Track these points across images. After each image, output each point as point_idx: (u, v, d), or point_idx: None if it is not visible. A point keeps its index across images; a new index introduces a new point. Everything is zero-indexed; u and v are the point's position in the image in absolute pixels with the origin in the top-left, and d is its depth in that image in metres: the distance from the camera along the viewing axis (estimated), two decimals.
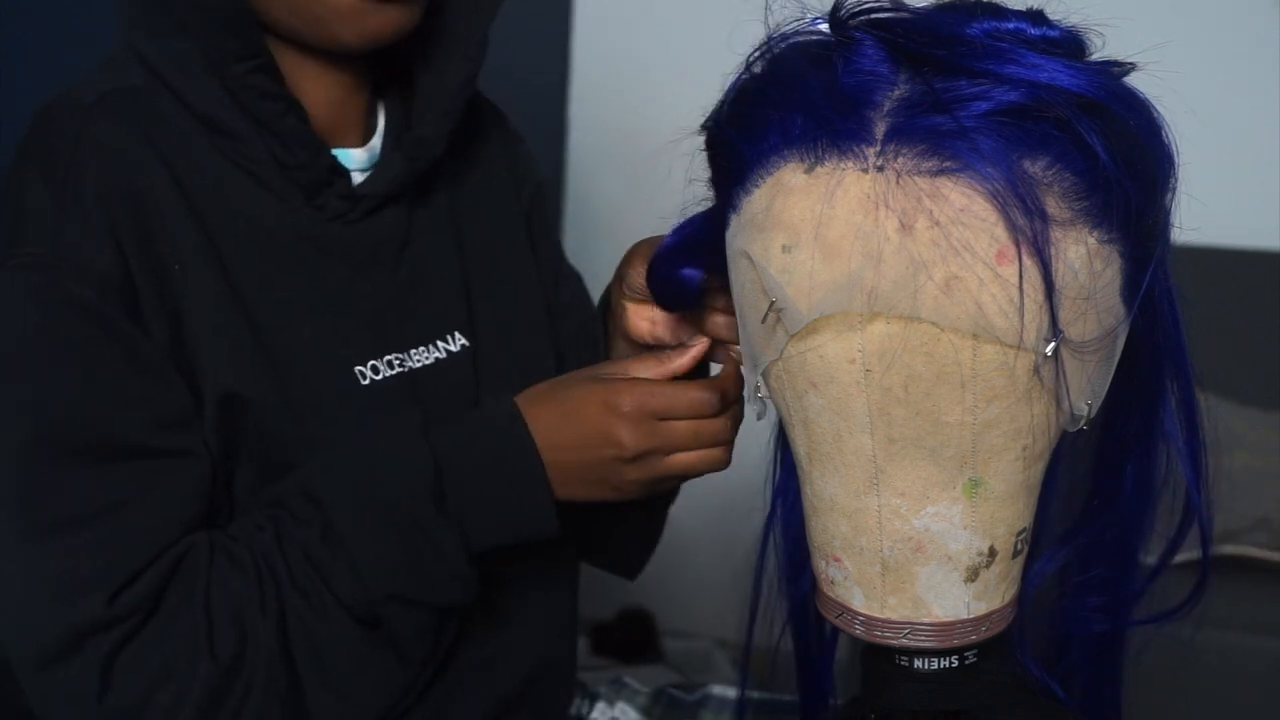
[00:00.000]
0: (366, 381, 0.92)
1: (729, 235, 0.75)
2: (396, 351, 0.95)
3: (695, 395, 0.86)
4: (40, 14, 1.99)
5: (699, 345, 0.90)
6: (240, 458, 0.89)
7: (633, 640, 2.25)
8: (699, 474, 0.88)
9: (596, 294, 1.12)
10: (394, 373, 0.94)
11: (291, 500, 0.87)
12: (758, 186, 0.72)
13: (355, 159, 0.96)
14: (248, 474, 0.89)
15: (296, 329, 0.90)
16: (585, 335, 1.07)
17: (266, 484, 0.89)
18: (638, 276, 0.92)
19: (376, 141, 0.98)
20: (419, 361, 0.97)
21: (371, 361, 0.93)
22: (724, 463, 0.88)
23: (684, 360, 0.89)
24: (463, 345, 1.00)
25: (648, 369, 0.88)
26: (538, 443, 0.86)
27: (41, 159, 0.87)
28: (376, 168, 0.96)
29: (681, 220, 0.85)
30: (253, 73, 0.87)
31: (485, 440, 0.87)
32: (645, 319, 0.95)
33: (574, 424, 0.86)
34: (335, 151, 0.93)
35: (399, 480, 0.85)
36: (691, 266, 0.84)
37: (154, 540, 0.83)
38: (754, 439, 0.88)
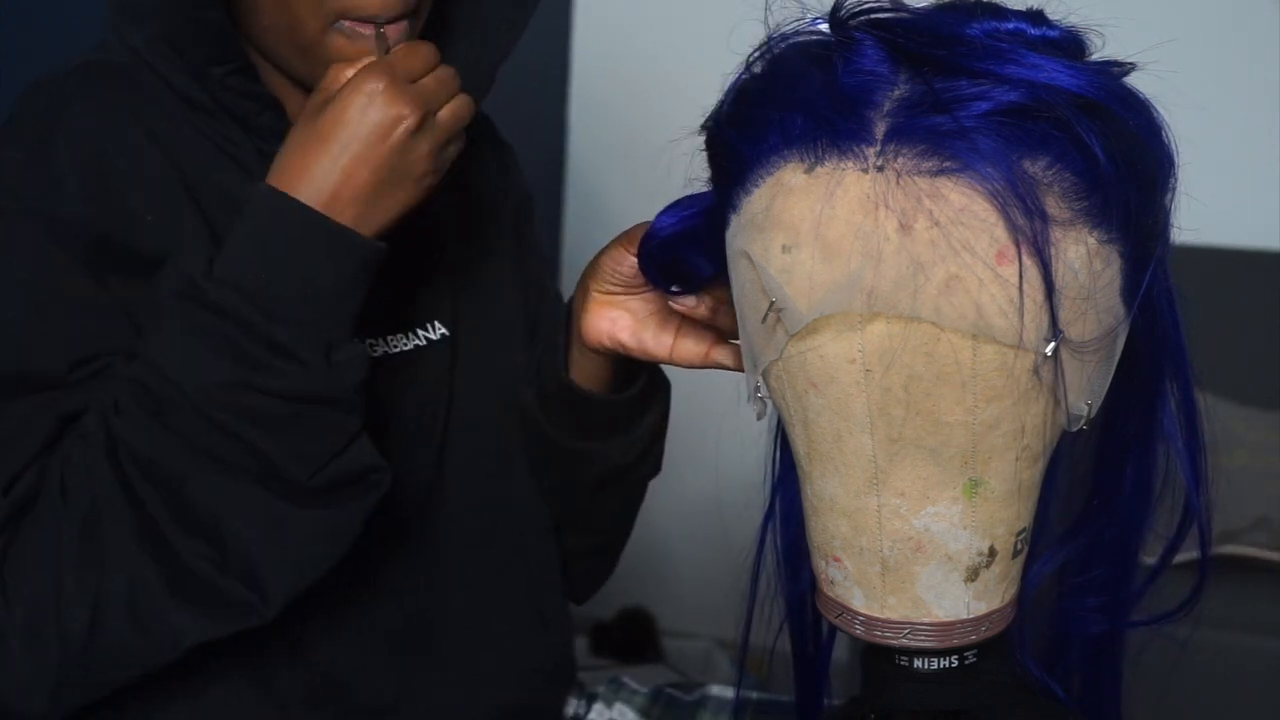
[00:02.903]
0: None
1: (729, 235, 0.75)
2: (369, 336, 0.95)
3: (420, 46, 0.86)
4: (40, 14, 1.99)
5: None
6: None
7: (632, 640, 2.25)
8: (466, 122, 0.88)
9: None
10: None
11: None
12: (758, 186, 0.72)
13: None
14: None
15: None
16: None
17: None
18: (615, 264, 0.89)
19: None
20: (396, 348, 0.97)
21: None
22: (472, 105, 0.89)
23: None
24: (442, 334, 1.00)
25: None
26: (329, 180, 0.82)
27: (17, 119, 0.89)
28: None
29: (679, 203, 0.84)
30: (230, 74, 0.87)
31: (236, 220, 0.84)
32: (606, 318, 0.91)
33: (347, 134, 0.83)
34: None
35: (176, 272, 0.83)
36: (701, 256, 0.82)
37: (34, 450, 0.83)
38: (753, 439, 0.88)
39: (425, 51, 0.85)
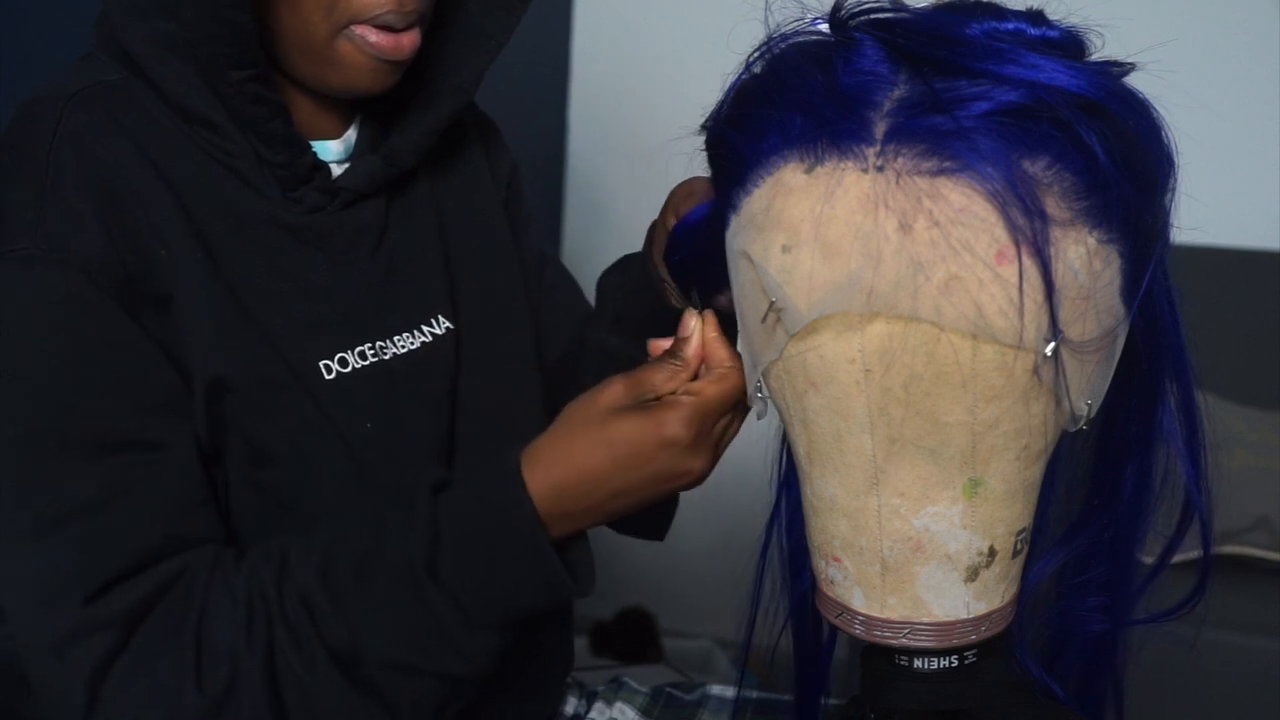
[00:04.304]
0: (332, 375, 0.91)
1: (729, 235, 0.75)
2: (378, 338, 0.95)
3: (731, 388, 0.81)
4: (40, 15, 1.99)
5: (696, 329, 0.84)
6: (226, 447, 0.88)
7: (633, 640, 2.26)
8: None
9: (589, 291, 1.13)
10: (366, 364, 0.93)
11: (300, 541, 0.86)
12: (757, 186, 0.72)
13: (332, 150, 0.97)
14: (237, 462, 0.89)
15: (272, 319, 0.90)
16: (574, 311, 1.09)
17: (251, 478, 0.89)
18: (672, 219, 0.93)
19: (352, 133, 0.98)
20: (403, 347, 0.97)
21: (340, 355, 0.92)
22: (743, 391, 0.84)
23: (695, 350, 0.84)
24: (447, 328, 1.00)
25: (671, 379, 0.83)
26: (592, 496, 0.81)
27: (19, 153, 0.87)
28: (353, 164, 0.96)
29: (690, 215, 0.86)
30: (248, 80, 0.87)
31: (479, 500, 0.83)
32: None
33: (636, 467, 0.81)
34: (313, 144, 0.94)
35: (398, 540, 0.82)
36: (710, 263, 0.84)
37: (133, 541, 0.82)
38: (754, 439, 0.88)
39: (733, 391, 0.81)
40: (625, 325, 1.04)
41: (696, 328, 0.84)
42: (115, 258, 0.84)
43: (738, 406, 0.83)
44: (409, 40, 0.90)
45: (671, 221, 0.94)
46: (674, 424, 0.80)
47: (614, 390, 0.83)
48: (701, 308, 0.86)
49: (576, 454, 0.82)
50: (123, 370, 0.84)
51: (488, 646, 0.83)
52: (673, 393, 0.82)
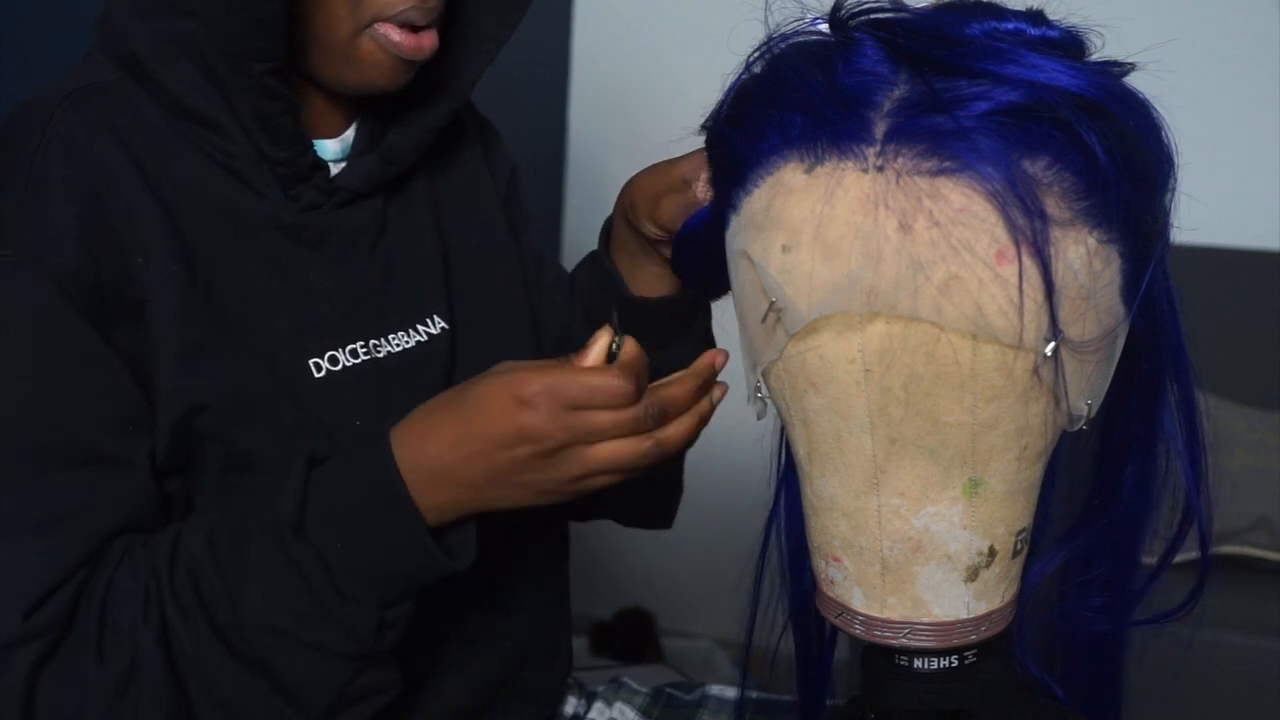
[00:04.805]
0: (321, 374, 0.91)
1: (729, 235, 0.75)
2: (373, 337, 0.95)
3: (612, 384, 0.77)
4: (40, 15, 1.99)
5: (600, 343, 0.80)
6: (201, 456, 0.88)
7: (633, 640, 2.26)
8: (628, 470, 0.79)
9: None
10: (358, 361, 0.93)
11: (194, 520, 0.86)
12: (757, 186, 0.72)
13: (330, 149, 0.97)
14: (213, 471, 0.89)
15: (269, 319, 0.90)
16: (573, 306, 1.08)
17: (225, 482, 0.89)
18: (650, 225, 0.93)
19: (350, 132, 0.98)
20: (398, 346, 0.97)
21: (330, 353, 0.92)
22: (653, 454, 0.79)
23: (591, 360, 0.80)
24: (442, 328, 1.00)
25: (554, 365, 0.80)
26: (443, 457, 0.79)
27: (8, 157, 0.87)
28: (351, 162, 0.97)
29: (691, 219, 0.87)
30: (267, 74, 0.87)
31: (347, 467, 0.83)
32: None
33: (479, 426, 0.78)
34: (313, 142, 0.94)
35: (271, 505, 0.82)
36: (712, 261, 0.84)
37: (75, 554, 0.83)
38: (754, 439, 0.88)
39: (614, 388, 0.77)
40: (592, 321, 1.04)
41: (602, 343, 0.80)
42: (90, 266, 0.83)
43: (621, 420, 0.78)
44: (429, 40, 0.91)
45: (648, 226, 0.93)
46: (527, 383, 0.77)
47: (499, 365, 0.81)
48: (621, 332, 0.81)
49: (433, 413, 0.81)
50: (93, 384, 0.84)
51: (365, 621, 0.82)
52: None
